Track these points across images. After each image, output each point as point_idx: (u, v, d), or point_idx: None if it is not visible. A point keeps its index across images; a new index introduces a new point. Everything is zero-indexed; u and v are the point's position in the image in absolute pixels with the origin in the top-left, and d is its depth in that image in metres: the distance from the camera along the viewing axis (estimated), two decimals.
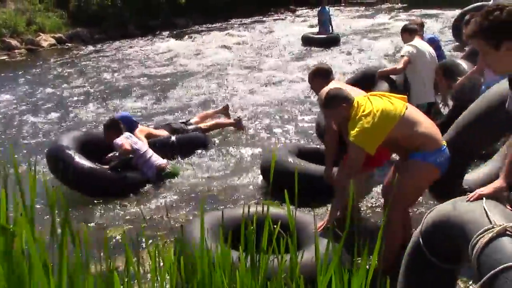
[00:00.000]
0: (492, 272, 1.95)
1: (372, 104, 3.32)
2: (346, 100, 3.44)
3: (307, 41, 14.64)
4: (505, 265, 1.93)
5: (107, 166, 5.43)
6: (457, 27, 12.62)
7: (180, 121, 7.17)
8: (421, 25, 7.10)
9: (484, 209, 2.21)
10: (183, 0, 21.55)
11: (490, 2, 11.86)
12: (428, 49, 5.62)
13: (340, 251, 1.85)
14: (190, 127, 6.83)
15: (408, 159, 3.33)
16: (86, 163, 5.24)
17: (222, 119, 7.42)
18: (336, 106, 3.46)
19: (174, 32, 19.62)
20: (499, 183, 2.34)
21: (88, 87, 10.74)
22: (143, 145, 5.71)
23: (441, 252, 2.50)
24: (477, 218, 2.21)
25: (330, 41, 14.30)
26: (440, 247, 2.49)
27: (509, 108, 2.47)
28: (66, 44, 17.57)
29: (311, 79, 4.42)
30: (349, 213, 1.89)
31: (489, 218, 2.14)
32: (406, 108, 3.36)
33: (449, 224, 2.35)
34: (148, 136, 6.14)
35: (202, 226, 2.00)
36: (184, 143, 6.21)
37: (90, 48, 16.67)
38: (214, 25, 21.39)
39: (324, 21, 14.66)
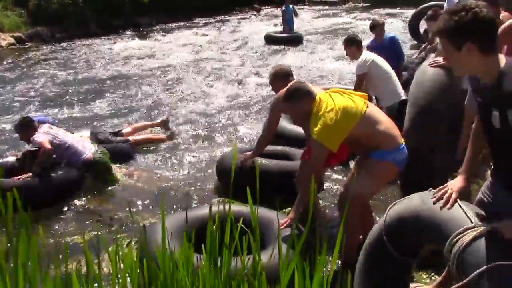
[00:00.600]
0: (479, 270, 1.96)
1: (334, 101, 3.32)
2: (308, 94, 3.43)
3: (270, 40, 14.72)
4: (493, 264, 1.95)
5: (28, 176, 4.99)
6: (413, 27, 12.95)
7: (111, 131, 6.90)
8: (382, 24, 7.25)
9: (461, 207, 2.24)
10: None
11: (445, 3, 12.23)
12: (375, 55, 5.64)
13: (301, 247, 1.86)
14: (117, 138, 6.49)
15: (368, 158, 3.38)
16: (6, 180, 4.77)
17: (155, 135, 6.99)
18: (298, 100, 3.44)
19: (138, 31, 19.38)
20: (461, 183, 2.36)
21: (41, 89, 10.45)
22: (65, 136, 5.45)
23: (403, 246, 2.54)
24: (455, 216, 2.22)
25: (292, 40, 14.41)
26: (403, 241, 2.53)
27: (467, 105, 2.54)
28: (26, 43, 17.12)
29: (271, 80, 4.48)
30: (311, 209, 1.91)
31: (469, 218, 2.16)
32: (367, 107, 3.39)
33: (418, 219, 2.38)
34: None
35: (163, 225, 1.98)
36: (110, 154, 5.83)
37: (51, 47, 16.28)
38: (178, 24, 21.23)
39: (289, 20, 14.77)
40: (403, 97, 5.37)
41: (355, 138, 3.31)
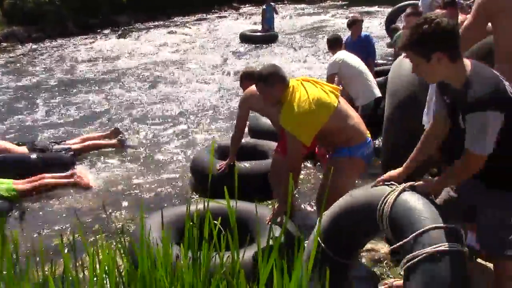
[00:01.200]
0: (414, 234, 2.16)
1: (308, 91, 3.23)
2: (282, 80, 3.28)
3: (245, 38, 14.72)
4: (424, 228, 2.16)
5: None
6: (390, 25, 13.09)
7: (52, 140, 6.56)
8: (361, 21, 7.32)
9: (388, 186, 2.43)
10: None
11: (419, 2, 12.42)
12: (347, 54, 5.67)
13: (279, 242, 1.87)
14: (57, 146, 6.16)
15: (336, 155, 3.35)
16: None
17: (102, 141, 6.59)
18: (270, 84, 3.28)
19: (116, 30, 19.18)
20: (396, 171, 2.53)
21: (12, 91, 10.26)
22: None
23: (338, 245, 2.60)
24: (378, 191, 2.43)
25: (267, 39, 14.42)
26: (338, 240, 2.59)
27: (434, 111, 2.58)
28: (1, 43, 16.82)
29: (241, 81, 4.56)
30: (289, 206, 1.92)
31: (389, 186, 2.41)
32: (339, 100, 3.34)
33: (347, 210, 2.51)
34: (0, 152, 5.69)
35: (142, 223, 1.97)
36: (48, 163, 5.69)
37: (27, 47, 16.03)
38: (156, 23, 21.07)
39: (269, 19, 14.78)
40: (378, 95, 5.40)
41: (327, 132, 3.25)
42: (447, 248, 2.09)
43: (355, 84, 5.47)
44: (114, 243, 3.48)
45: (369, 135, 3.42)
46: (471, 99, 2.05)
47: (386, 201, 2.31)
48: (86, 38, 17.21)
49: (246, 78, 4.47)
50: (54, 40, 16.83)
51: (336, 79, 5.61)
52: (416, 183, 2.35)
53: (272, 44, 14.34)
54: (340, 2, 27.95)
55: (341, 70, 5.48)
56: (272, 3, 14.99)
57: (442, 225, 2.17)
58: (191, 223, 2.01)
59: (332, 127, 3.24)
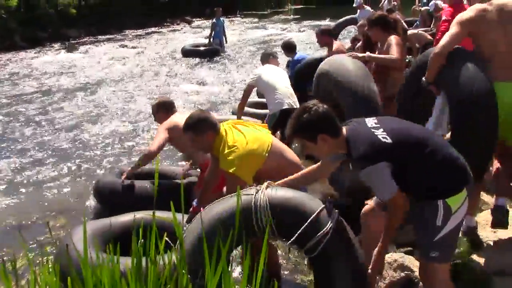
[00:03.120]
0: (307, 222, 2.43)
1: (242, 132, 3.21)
2: (213, 127, 3.21)
3: (186, 53, 14.77)
4: (312, 216, 2.44)
5: None
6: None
7: None
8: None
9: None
10: (73, 10, 20.77)
11: (357, 15, 12.95)
12: (268, 68, 5.90)
13: (226, 254, 1.91)
14: None
15: None
16: None
17: None
18: (201, 132, 3.21)
19: (65, 44, 18.84)
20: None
21: None
22: None
23: None
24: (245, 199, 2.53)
25: (209, 53, 14.51)
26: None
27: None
28: None
29: (154, 111, 4.64)
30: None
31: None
32: (273, 137, 3.34)
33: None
34: None
35: (85, 240, 1.96)
36: None
37: None
38: (107, 36, 20.84)
39: (218, 32, 14.87)
40: (286, 107, 5.56)
41: (265, 170, 3.15)
42: (333, 224, 2.43)
43: (268, 95, 5.70)
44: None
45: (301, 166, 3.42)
46: (355, 161, 2.40)
47: (258, 202, 2.50)
48: (34, 52, 16.82)
49: (159, 107, 4.60)
50: (2, 54, 16.35)
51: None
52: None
53: (215, 58, 14.43)
54: (292, 16, 28.52)
55: (257, 84, 5.79)
56: (222, 18, 15.09)
57: (322, 206, 2.49)
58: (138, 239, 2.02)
59: (271, 164, 3.17)
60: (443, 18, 4.62)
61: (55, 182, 5.87)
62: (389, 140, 2.34)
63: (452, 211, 2.35)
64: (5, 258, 3.77)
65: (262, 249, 1.91)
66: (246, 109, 6.43)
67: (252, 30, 22.03)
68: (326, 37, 6.47)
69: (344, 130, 2.48)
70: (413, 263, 3.09)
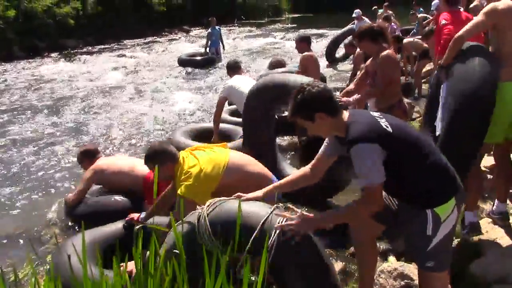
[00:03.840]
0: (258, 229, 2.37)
1: (197, 156, 3.35)
2: (172, 158, 3.35)
3: (183, 62, 14.85)
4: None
5: None
6: (330, 52, 13.60)
7: None
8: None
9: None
10: (72, 21, 20.81)
11: (354, 26, 13.06)
12: (238, 79, 6.08)
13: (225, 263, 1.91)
14: None
15: None
16: None
17: None
18: (161, 164, 3.31)
19: (64, 54, 18.88)
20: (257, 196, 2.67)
21: None
22: None
23: None
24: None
25: (205, 62, 14.58)
26: None
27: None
28: None
29: (79, 160, 4.83)
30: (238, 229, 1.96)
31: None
32: (231, 155, 3.44)
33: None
34: None
35: (84, 253, 1.95)
36: None
37: None
38: (106, 46, 20.89)
39: (215, 42, 14.92)
40: None
41: (228, 187, 3.22)
42: (276, 236, 2.35)
43: (241, 106, 5.74)
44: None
45: (273, 176, 3.48)
46: (348, 139, 2.34)
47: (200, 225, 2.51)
48: (32, 62, 16.85)
49: (83, 155, 4.79)
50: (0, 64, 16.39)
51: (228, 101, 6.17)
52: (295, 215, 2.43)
53: (211, 67, 14.44)
54: (289, 25, 28.64)
55: (229, 95, 5.96)
56: (217, 26, 15.15)
57: (264, 219, 2.42)
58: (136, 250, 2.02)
59: (229, 181, 3.29)
60: (443, 22, 4.63)
61: (56, 188, 5.87)
62: (389, 129, 2.34)
63: (441, 220, 2.35)
64: (6, 269, 3.78)
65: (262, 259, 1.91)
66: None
67: (249, 39, 22.11)
68: (304, 44, 6.75)
69: (345, 114, 2.48)
70: (413, 272, 3.08)
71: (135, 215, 3.59)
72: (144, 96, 11.06)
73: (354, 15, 13.30)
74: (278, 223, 2.38)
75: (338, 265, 3.53)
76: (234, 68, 6.40)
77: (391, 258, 3.59)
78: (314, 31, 22.98)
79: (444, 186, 2.39)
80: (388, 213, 2.59)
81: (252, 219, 2.42)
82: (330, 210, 2.50)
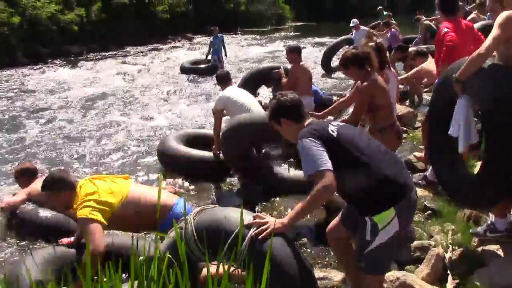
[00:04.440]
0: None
1: (96, 185, 3.41)
2: (70, 186, 3.43)
3: (184, 70, 14.90)
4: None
5: None
6: (326, 61, 13.62)
7: None
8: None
9: None
10: (76, 27, 20.89)
11: (352, 35, 13.05)
12: (234, 90, 6.12)
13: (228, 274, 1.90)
14: None
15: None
16: None
17: None
18: (58, 191, 3.44)
19: (67, 60, 18.93)
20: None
21: None
22: None
23: None
24: None
25: (208, 70, 14.58)
26: None
27: None
28: None
29: (17, 176, 4.93)
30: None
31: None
32: (131, 188, 3.51)
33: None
34: None
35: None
36: None
37: None
38: (109, 52, 20.96)
39: (217, 50, 14.94)
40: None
41: (122, 217, 3.36)
42: (247, 242, 2.47)
43: (234, 111, 5.83)
44: None
45: (173, 202, 3.46)
46: (299, 138, 2.63)
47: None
48: (35, 69, 16.91)
49: (23, 175, 4.89)
50: (3, 70, 16.42)
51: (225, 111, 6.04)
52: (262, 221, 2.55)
53: (211, 75, 14.45)
54: (292, 33, 28.72)
55: (227, 106, 5.89)
56: (220, 34, 15.21)
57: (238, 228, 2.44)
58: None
59: (129, 211, 3.37)
60: (444, 30, 4.64)
61: None
62: (334, 134, 2.59)
63: (379, 227, 2.49)
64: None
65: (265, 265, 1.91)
66: None
67: (252, 47, 22.16)
68: (294, 55, 6.78)
69: (308, 121, 2.79)
70: (415, 281, 3.08)
71: (65, 240, 3.63)
72: (144, 103, 11.10)
73: (351, 24, 13.23)
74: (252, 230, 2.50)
75: (339, 276, 3.53)
76: (225, 80, 6.33)
77: (392, 265, 3.58)
78: (317, 39, 23.04)
79: (383, 196, 2.53)
80: (353, 219, 2.73)
81: (233, 226, 2.52)
82: (293, 209, 2.59)
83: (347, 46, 11.37)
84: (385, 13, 16.40)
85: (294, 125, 2.75)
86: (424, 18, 13.23)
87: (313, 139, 2.53)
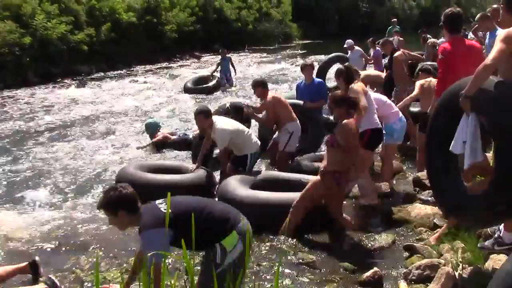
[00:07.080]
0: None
1: None
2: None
3: (188, 90, 15.07)
4: None
5: None
6: (321, 74, 13.67)
7: None
8: (311, 65, 7.70)
9: None
10: (85, 47, 21.10)
11: (348, 56, 13.09)
12: (224, 120, 6.16)
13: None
14: None
15: None
16: None
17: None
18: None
19: (77, 79, 19.11)
20: None
21: None
22: None
23: None
24: None
25: (211, 89, 14.89)
26: None
27: None
28: None
29: None
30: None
31: None
32: None
33: None
34: None
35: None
36: None
37: None
38: (118, 71, 21.15)
39: (225, 70, 15.17)
40: (259, 143, 6.23)
41: None
42: None
43: (245, 142, 6.08)
44: None
45: None
46: (141, 231, 3.10)
47: None
48: (46, 88, 17.08)
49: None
50: (14, 90, 16.57)
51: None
52: None
53: (222, 91, 14.82)
54: (299, 51, 28.84)
55: (233, 139, 5.94)
56: (228, 55, 15.58)
57: None
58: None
59: None
60: (441, 51, 4.74)
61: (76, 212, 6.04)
62: (170, 210, 2.68)
63: (227, 250, 3.08)
64: None
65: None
66: None
67: (259, 65, 22.27)
68: (259, 89, 6.86)
69: (141, 208, 3.17)
70: None
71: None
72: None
73: (345, 45, 13.12)
74: None
75: None
76: (209, 113, 6.10)
77: (402, 284, 3.57)
78: (323, 57, 23.08)
79: (222, 225, 3.14)
80: None
81: None
82: None
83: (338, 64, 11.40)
84: (397, 27, 16.42)
85: (130, 216, 3.13)
86: (429, 37, 13.25)
87: (159, 226, 2.94)
